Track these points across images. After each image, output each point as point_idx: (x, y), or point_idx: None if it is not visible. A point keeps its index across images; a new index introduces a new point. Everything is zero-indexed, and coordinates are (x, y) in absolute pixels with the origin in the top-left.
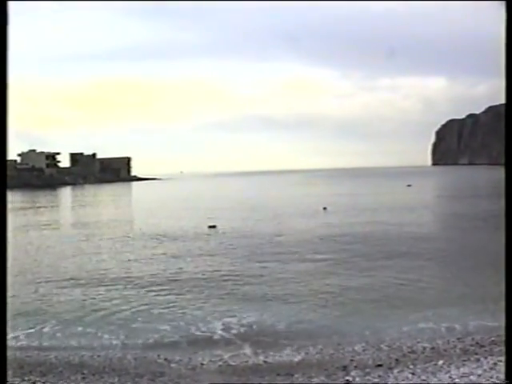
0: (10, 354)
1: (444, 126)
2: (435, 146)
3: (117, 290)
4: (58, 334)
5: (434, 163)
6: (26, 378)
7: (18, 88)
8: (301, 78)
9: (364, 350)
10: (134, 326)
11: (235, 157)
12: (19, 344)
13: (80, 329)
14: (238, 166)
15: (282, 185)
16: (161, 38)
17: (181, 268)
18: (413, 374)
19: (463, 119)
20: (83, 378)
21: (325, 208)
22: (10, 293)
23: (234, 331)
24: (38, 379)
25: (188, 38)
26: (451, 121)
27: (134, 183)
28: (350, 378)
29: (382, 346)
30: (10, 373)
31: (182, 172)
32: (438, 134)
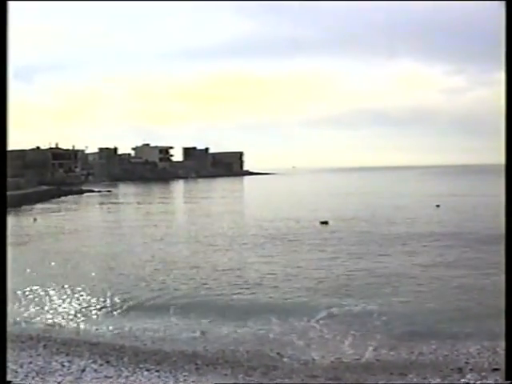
0: (126, 341)
1: None
2: None
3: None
4: (173, 325)
5: None
6: (141, 366)
7: (132, 84)
8: (414, 72)
9: (479, 353)
10: (247, 318)
11: (347, 152)
12: (136, 333)
13: (194, 320)
14: (351, 161)
15: (394, 181)
16: (271, 34)
17: (297, 265)
18: None
19: None
20: (197, 368)
21: (438, 205)
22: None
23: (345, 327)
24: (152, 367)
25: (298, 34)
26: None
27: (247, 177)
28: (466, 381)
29: (497, 349)
30: (125, 359)
31: (294, 167)
32: None
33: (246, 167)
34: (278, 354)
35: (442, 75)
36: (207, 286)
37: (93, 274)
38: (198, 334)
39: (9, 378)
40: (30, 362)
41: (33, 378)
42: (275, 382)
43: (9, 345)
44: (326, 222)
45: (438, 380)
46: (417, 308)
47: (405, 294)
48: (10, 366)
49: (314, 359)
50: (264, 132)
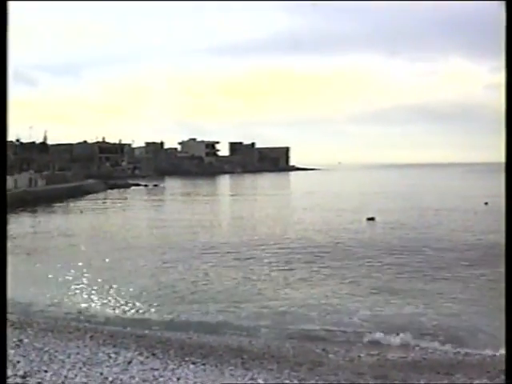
0: (172, 335)
1: None
2: None
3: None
4: (218, 319)
5: None
6: (187, 359)
7: (178, 79)
8: (459, 68)
9: None
10: (291, 315)
11: (392, 148)
12: (183, 325)
13: (238, 315)
14: (396, 157)
15: (440, 178)
16: (315, 30)
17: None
18: None
19: None
20: (242, 362)
21: (486, 203)
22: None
23: (390, 325)
24: (198, 360)
25: (342, 30)
26: None
27: (293, 173)
28: None
29: None
30: (171, 352)
31: (339, 163)
32: None
33: (292, 162)
34: (323, 350)
35: (488, 71)
36: (252, 283)
37: (139, 269)
38: (243, 328)
39: (56, 367)
40: (78, 353)
41: (80, 368)
42: (321, 378)
43: (56, 335)
44: (372, 218)
45: (486, 381)
46: (464, 310)
47: (452, 296)
48: (58, 355)
49: (359, 356)
50: (310, 127)
